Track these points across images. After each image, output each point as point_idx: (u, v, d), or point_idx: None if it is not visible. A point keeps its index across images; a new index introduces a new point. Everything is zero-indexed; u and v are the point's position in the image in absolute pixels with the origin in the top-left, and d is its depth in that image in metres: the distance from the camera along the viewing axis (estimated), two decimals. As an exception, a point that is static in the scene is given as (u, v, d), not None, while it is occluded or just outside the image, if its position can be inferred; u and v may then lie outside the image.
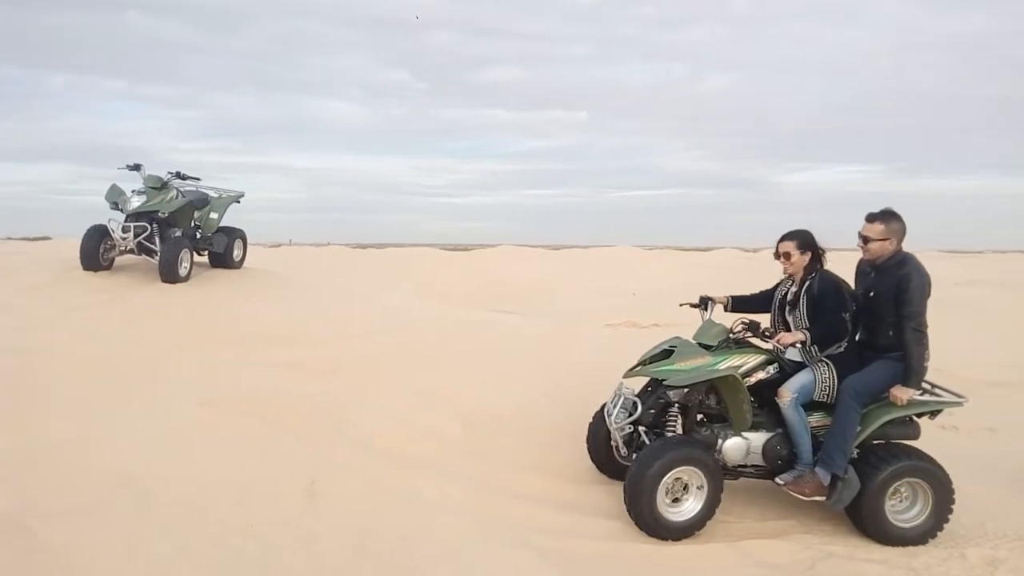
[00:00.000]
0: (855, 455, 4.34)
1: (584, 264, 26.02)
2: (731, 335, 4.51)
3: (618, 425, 4.43)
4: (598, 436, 4.81)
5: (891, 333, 4.26)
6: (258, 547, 3.68)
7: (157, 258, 8.37)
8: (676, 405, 4.44)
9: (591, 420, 4.89)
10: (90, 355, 6.17)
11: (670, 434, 4.40)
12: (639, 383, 4.64)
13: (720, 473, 4.26)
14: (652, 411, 4.45)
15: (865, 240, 4.30)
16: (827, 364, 4.35)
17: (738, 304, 4.86)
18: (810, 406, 4.36)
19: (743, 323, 4.53)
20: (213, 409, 5.21)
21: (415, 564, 3.65)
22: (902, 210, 4.26)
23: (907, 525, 4.33)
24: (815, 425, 4.36)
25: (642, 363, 4.52)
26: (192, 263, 8.73)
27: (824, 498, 4.27)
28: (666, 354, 4.46)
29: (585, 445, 4.93)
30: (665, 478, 4.11)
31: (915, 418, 4.44)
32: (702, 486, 4.21)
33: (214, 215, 9.46)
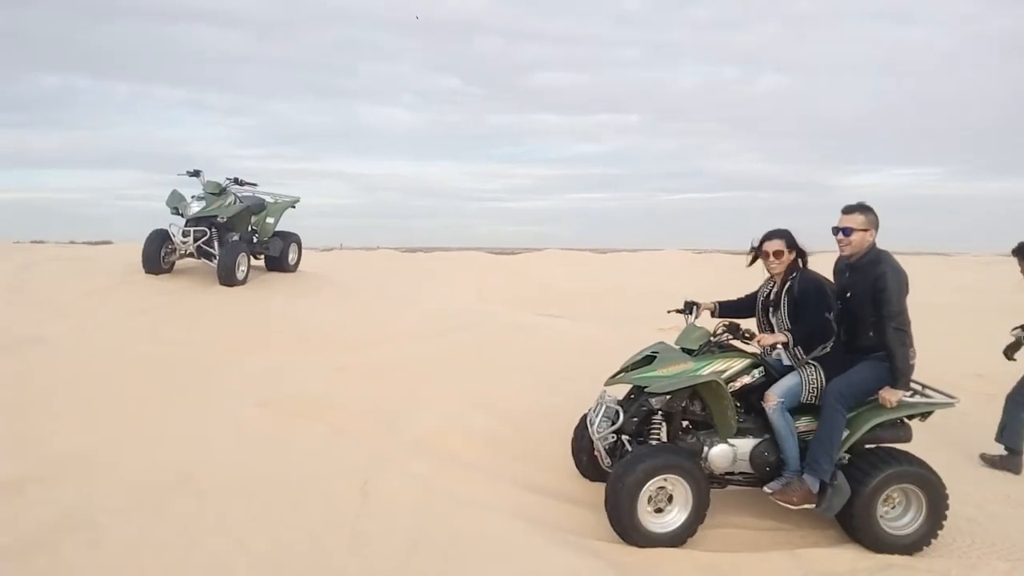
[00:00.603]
0: (845, 460, 4.24)
1: (633, 268, 25.84)
2: (713, 339, 4.36)
3: (600, 434, 4.32)
4: (582, 445, 4.70)
5: (871, 334, 4.15)
6: (313, 545, 3.75)
7: (216, 262, 8.59)
8: (659, 412, 4.31)
9: (575, 428, 4.79)
10: (151, 356, 6.36)
11: (654, 442, 4.29)
12: (622, 391, 4.54)
13: (706, 482, 4.13)
14: (635, 419, 4.32)
15: (847, 232, 4.17)
16: (814, 366, 4.23)
17: (725, 309, 4.73)
18: (798, 410, 4.24)
19: (724, 326, 4.38)
20: (269, 409, 5.32)
21: (466, 565, 3.68)
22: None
23: (900, 532, 4.22)
24: (803, 430, 4.24)
25: (624, 370, 4.39)
26: (249, 267, 8.94)
27: (813, 506, 4.16)
28: (648, 360, 4.32)
29: (571, 453, 4.85)
30: (647, 486, 3.98)
31: (906, 420, 4.32)
32: (686, 496, 4.07)
33: (270, 220, 9.67)
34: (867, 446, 4.32)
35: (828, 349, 4.26)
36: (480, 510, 4.27)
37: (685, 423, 4.41)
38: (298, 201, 10.17)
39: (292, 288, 9.17)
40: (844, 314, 4.30)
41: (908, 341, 4.07)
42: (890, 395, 4.08)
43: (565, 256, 29.70)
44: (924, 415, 4.34)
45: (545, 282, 20.72)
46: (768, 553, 4.14)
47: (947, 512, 4.23)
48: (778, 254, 4.35)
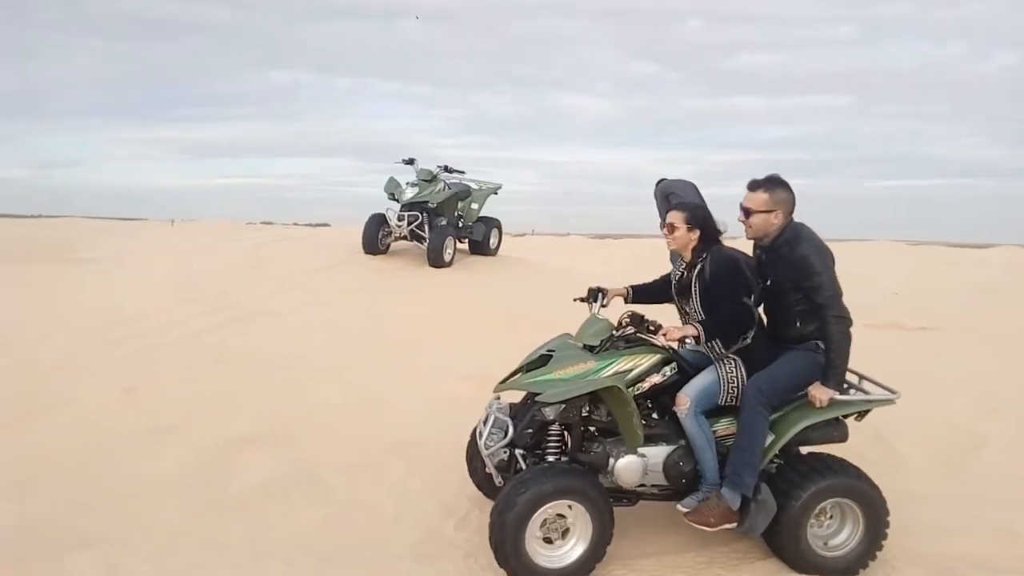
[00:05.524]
0: (773, 469, 3.62)
1: (839, 259, 24.20)
2: (616, 332, 3.64)
3: (490, 450, 3.59)
4: (475, 460, 3.98)
5: (799, 324, 3.50)
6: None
7: (426, 244, 9.18)
8: (558, 423, 3.62)
9: (468, 441, 4.12)
10: (368, 330, 6.92)
11: (551, 457, 3.61)
12: (516, 398, 3.88)
13: (608, 505, 3.45)
14: (529, 431, 3.61)
15: (747, 213, 3.53)
16: (734, 360, 3.54)
17: (641, 295, 4.04)
18: (717, 411, 3.56)
19: (628, 316, 3.65)
20: (472, 383, 5.61)
21: (625, 548, 3.77)
22: None
23: (833, 553, 3.59)
24: (722, 434, 3.57)
25: (518, 371, 3.70)
26: (455, 250, 9.45)
27: (734, 525, 3.49)
28: (544, 360, 3.63)
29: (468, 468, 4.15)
30: (536, 515, 3.32)
31: (841, 418, 3.63)
32: (585, 523, 3.42)
33: (475, 206, 10.16)
34: (801, 449, 3.72)
35: (749, 340, 3.57)
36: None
37: (591, 429, 3.74)
38: (500, 188, 10.58)
39: (494, 270, 9.57)
40: (766, 304, 3.68)
41: (848, 330, 3.45)
42: (821, 393, 3.44)
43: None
44: (861, 414, 3.68)
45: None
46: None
47: (887, 531, 3.61)
48: (671, 228, 3.63)
